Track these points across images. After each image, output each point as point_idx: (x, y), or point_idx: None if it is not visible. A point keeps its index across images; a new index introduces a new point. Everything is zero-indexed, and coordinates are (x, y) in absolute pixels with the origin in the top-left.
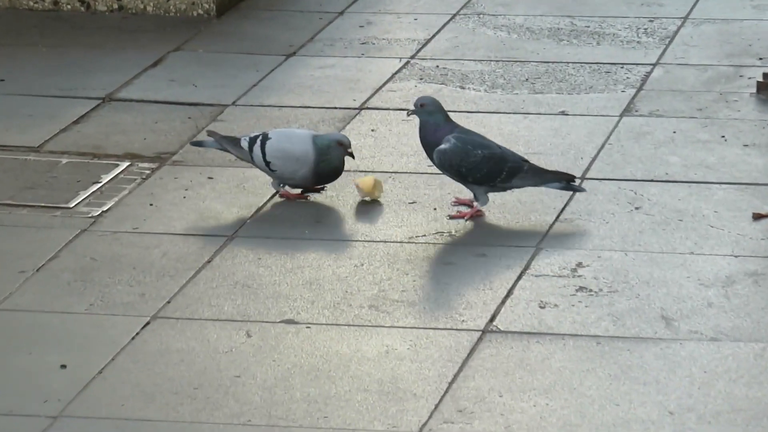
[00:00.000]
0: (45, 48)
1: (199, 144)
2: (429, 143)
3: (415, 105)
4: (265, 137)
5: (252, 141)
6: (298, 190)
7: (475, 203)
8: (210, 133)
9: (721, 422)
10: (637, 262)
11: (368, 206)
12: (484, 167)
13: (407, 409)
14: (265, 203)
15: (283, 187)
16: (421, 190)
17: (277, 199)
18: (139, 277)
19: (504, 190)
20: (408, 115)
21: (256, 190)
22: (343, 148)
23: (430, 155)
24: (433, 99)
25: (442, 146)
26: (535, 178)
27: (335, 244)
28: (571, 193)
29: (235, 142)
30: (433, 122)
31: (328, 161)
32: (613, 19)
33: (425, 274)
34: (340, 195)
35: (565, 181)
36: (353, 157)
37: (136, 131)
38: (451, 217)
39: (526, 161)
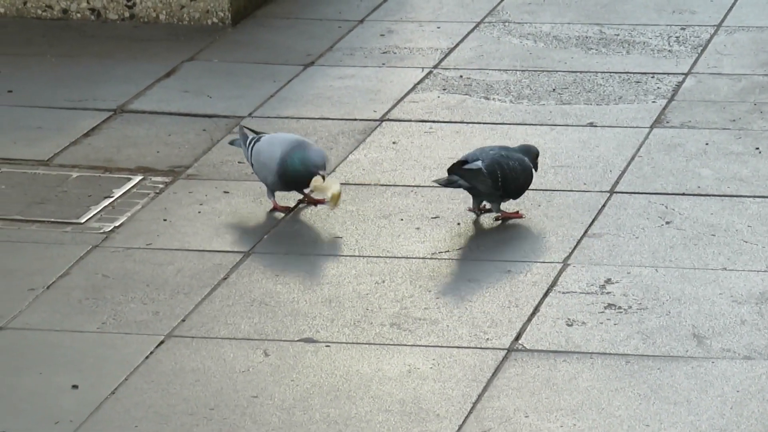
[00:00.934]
0: (54, 58)
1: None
2: None
3: None
4: (257, 139)
5: (249, 141)
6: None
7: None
8: (240, 129)
9: None
10: (668, 279)
11: (389, 221)
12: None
13: (430, 430)
14: (283, 218)
15: (271, 196)
16: (444, 204)
17: (295, 213)
18: (152, 294)
19: None
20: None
21: (273, 205)
22: (315, 169)
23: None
24: None
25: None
26: None
27: (355, 260)
28: (601, 207)
29: (244, 138)
30: None
31: (293, 170)
32: (644, 27)
33: (448, 290)
34: (360, 210)
35: None
36: (323, 179)
37: (148, 144)
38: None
39: None
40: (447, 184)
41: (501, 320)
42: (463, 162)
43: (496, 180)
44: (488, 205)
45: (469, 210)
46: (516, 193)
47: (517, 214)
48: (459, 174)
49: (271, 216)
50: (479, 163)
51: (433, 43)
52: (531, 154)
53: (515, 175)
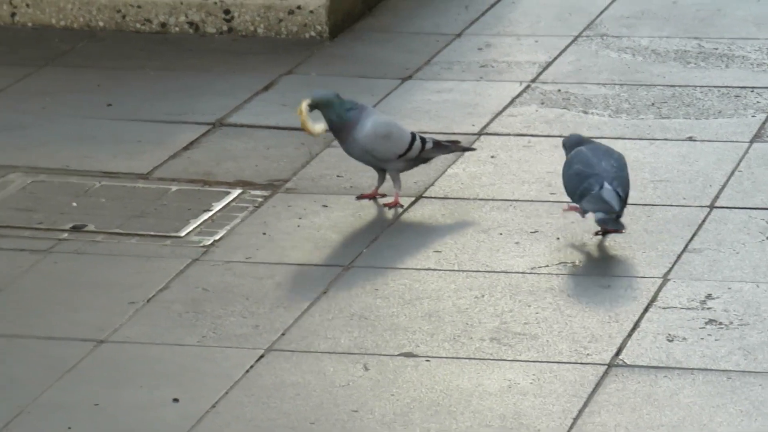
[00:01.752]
0: (153, 71)
1: None
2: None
3: None
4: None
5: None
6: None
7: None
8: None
9: None
10: None
11: (488, 236)
12: None
13: None
14: (382, 232)
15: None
16: (543, 218)
17: (395, 227)
18: (252, 308)
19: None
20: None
21: (372, 218)
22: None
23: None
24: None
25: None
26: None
27: (455, 274)
28: (701, 222)
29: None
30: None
31: None
32: (743, 41)
33: (548, 305)
34: (459, 224)
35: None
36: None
37: (247, 157)
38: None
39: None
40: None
41: (601, 335)
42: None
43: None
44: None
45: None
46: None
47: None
48: None
49: (369, 230)
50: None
51: (531, 57)
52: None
53: None
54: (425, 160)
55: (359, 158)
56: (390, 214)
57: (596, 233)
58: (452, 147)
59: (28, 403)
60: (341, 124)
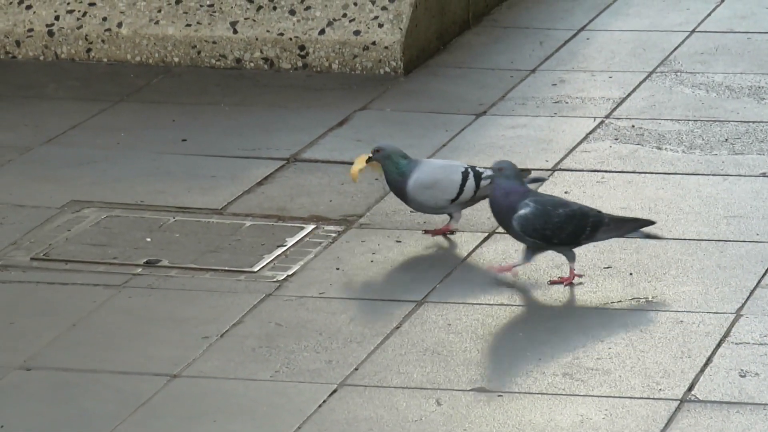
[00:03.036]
0: (227, 107)
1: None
2: (502, 209)
3: (493, 169)
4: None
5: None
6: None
7: (571, 265)
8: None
9: None
10: None
11: (561, 271)
12: (568, 226)
13: None
14: (455, 268)
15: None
16: (616, 254)
17: (468, 263)
18: (325, 343)
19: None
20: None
21: (445, 254)
22: None
23: (504, 222)
24: (510, 163)
25: (522, 211)
26: (618, 230)
27: (528, 309)
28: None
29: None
30: (506, 187)
31: None
32: None
33: (621, 340)
34: (532, 260)
35: (645, 228)
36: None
37: (321, 193)
38: (551, 282)
39: (604, 214)
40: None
41: (673, 371)
42: None
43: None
44: None
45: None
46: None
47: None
48: None
49: (442, 265)
50: None
51: (605, 93)
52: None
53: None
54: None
55: (419, 210)
56: (463, 249)
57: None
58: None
59: None
60: (399, 179)
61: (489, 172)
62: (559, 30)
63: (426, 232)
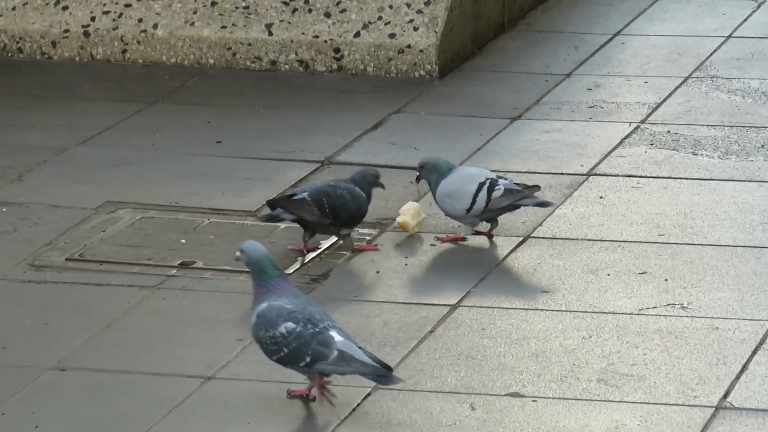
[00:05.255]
0: (262, 109)
1: None
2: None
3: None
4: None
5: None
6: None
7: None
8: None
9: None
10: None
11: (596, 276)
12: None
13: None
14: (490, 272)
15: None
16: (651, 260)
17: (502, 267)
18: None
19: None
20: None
21: (480, 258)
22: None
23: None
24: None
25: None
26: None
27: (562, 315)
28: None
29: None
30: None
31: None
32: None
33: (656, 347)
34: (567, 264)
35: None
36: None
37: None
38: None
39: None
40: (270, 219)
41: (709, 377)
42: (290, 196)
43: (322, 208)
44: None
45: (296, 248)
46: (350, 221)
47: (373, 247)
48: (282, 206)
49: (477, 270)
50: (305, 194)
51: (641, 98)
52: (365, 180)
53: (343, 202)
54: (504, 210)
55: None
56: (497, 253)
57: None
58: (524, 192)
59: None
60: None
61: (506, 182)
62: (595, 34)
63: (437, 238)
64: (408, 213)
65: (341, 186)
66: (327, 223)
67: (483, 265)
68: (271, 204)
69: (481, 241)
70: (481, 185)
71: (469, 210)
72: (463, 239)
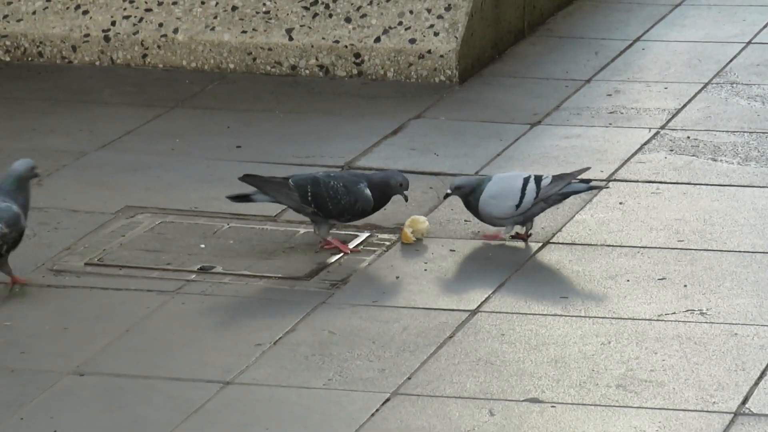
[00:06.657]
0: (282, 114)
1: None
2: None
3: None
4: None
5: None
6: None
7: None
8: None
9: None
10: None
11: (615, 282)
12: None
13: None
14: (509, 277)
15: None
16: (671, 266)
17: (522, 272)
18: (378, 351)
19: None
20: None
21: (499, 263)
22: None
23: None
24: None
25: None
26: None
27: (581, 320)
28: None
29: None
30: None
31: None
32: None
33: (674, 353)
34: (586, 270)
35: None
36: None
37: None
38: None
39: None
40: (237, 198)
41: (728, 383)
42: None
43: (304, 195)
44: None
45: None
46: (339, 215)
47: (344, 247)
48: (258, 186)
49: (496, 275)
50: (290, 178)
51: (661, 104)
52: (387, 183)
53: (332, 194)
54: (554, 201)
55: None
56: (517, 259)
57: (321, 246)
58: (573, 173)
59: None
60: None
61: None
62: (615, 40)
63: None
64: (406, 224)
65: (340, 178)
66: (309, 212)
67: (502, 270)
68: (249, 181)
69: (501, 246)
70: (526, 179)
71: (518, 205)
72: (502, 239)
